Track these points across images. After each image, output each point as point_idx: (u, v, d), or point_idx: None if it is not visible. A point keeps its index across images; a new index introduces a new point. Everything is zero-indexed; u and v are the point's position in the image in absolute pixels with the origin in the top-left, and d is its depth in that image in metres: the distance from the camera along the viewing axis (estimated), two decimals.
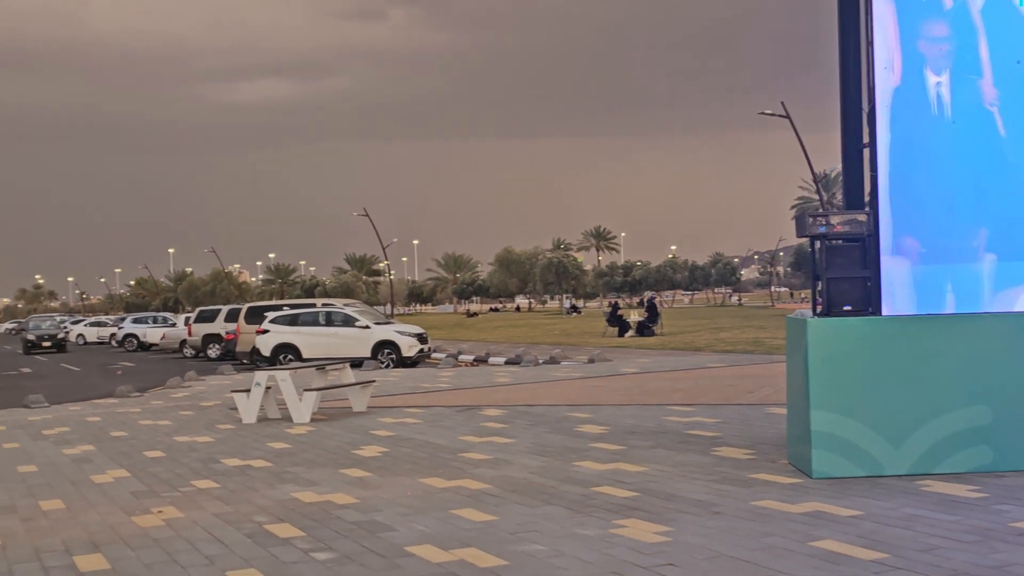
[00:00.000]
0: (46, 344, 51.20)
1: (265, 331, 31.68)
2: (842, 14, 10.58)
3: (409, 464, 11.67)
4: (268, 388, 16.85)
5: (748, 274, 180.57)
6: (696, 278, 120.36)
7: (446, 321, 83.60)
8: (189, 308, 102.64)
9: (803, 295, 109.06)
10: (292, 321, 32.00)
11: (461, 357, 34.02)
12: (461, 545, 7.77)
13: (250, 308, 37.51)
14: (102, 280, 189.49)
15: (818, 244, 10.16)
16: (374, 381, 18.67)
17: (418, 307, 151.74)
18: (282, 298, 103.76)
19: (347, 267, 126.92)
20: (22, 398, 22.51)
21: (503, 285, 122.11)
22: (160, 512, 9.55)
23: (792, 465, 10.44)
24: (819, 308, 10.09)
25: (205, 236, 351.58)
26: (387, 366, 30.36)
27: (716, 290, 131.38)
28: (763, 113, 47.20)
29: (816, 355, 9.73)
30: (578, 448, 12.28)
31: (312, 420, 16.27)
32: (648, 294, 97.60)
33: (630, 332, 41.97)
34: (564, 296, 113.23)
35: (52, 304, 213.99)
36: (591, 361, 28.46)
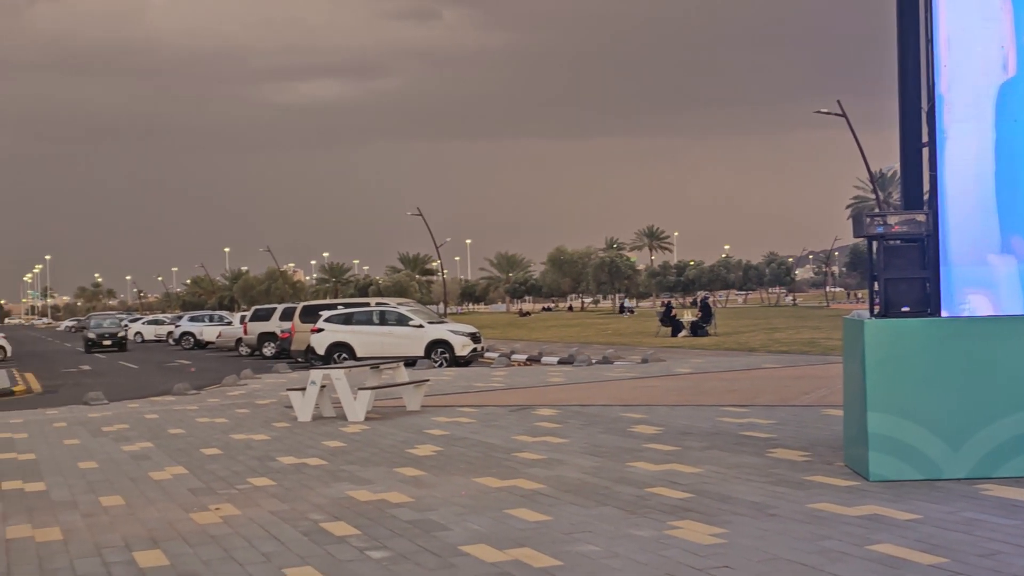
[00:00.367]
0: (107, 343, 51.69)
1: (320, 330, 31.91)
2: (901, 12, 10.46)
3: (463, 463, 11.71)
4: (323, 387, 16.97)
5: (802, 274, 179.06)
6: (750, 278, 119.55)
7: (499, 320, 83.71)
8: (245, 307, 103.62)
9: (859, 295, 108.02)
10: (346, 320, 32.20)
11: (514, 356, 34.05)
12: (515, 545, 7.78)
13: (305, 307, 37.82)
14: (159, 279, 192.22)
15: (875, 244, 10.06)
16: (428, 380, 18.74)
17: (471, 306, 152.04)
18: (336, 297, 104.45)
19: (400, 266, 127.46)
20: (82, 395, 22.87)
21: (555, 284, 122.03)
22: (217, 509, 9.66)
23: (848, 467, 10.34)
24: (876, 309, 9.99)
25: (260, 235, 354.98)
26: (440, 365, 30.46)
27: (770, 290, 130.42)
28: (819, 112, 46.76)
29: (873, 356, 9.63)
30: (632, 448, 12.25)
31: (366, 419, 16.36)
32: (701, 294, 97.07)
33: (683, 332, 41.79)
34: (618, 296, 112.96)
35: (110, 302, 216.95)
36: (644, 361, 28.36)
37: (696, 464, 10.96)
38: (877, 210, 49.56)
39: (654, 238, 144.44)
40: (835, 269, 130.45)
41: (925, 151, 10.20)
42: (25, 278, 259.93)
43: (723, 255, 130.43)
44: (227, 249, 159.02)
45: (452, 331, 31.90)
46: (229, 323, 52.49)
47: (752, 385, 19.73)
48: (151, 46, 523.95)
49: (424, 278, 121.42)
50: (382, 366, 18.47)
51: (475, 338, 31.98)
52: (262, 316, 42.58)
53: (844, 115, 45.19)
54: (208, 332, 53.35)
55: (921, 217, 9.76)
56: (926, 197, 10.28)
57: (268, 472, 11.69)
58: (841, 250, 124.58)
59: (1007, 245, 9.68)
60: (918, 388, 9.59)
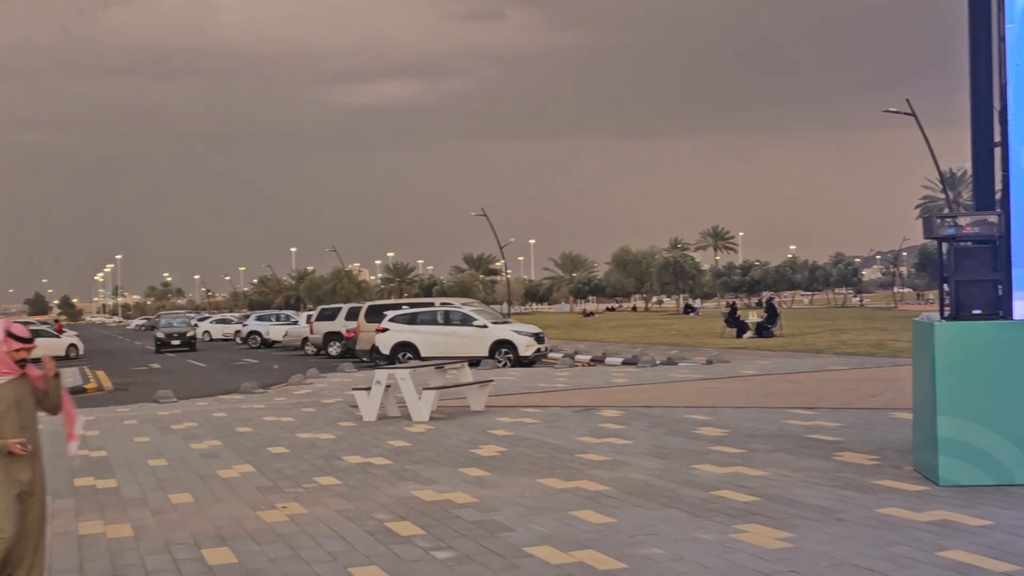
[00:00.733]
0: (175, 342, 52.04)
1: (385, 329, 32.09)
2: (973, 10, 10.30)
3: (527, 464, 11.72)
4: (388, 386, 17.07)
5: (870, 274, 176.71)
6: (816, 278, 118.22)
7: (562, 321, 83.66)
8: (310, 306, 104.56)
9: (929, 296, 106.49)
10: (411, 320, 32.34)
11: (578, 357, 34.00)
12: (580, 547, 7.78)
13: (370, 307, 38.03)
14: (227, 278, 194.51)
15: (946, 246, 9.92)
16: (492, 380, 18.78)
17: (534, 306, 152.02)
18: (401, 297, 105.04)
19: (465, 266, 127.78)
20: (152, 393, 23.22)
21: (619, 285, 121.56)
22: (284, 508, 9.76)
23: (918, 472, 10.20)
24: (947, 311, 9.84)
25: (326, 235, 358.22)
26: (504, 365, 30.49)
27: (837, 291, 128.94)
28: (888, 111, 46.14)
29: (943, 359, 9.49)
30: (697, 451, 12.18)
31: (431, 419, 16.43)
32: (767, 294, 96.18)
33: (749, 333, 41.47)
34: (683, 297, 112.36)
35: (179, 301, 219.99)
36: (709, 362, 28.19)
37: (762, 467, 10.88)
38: (947, 211, 48.84)
39: (719, 238, 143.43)
40: (903, 270, 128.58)
41: (997, 151, 10.04)
42: (97, 277, 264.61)
43: (789, 255, 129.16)
44: (294, 249, 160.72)
45: (516, 331, 31.90)
46: (295, 322, 52.91)
47: (818, 387, 19.53)
48: (222, 49, 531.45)
49: (488, 278, 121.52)
50: (446, 366, 18.54)
51: (539, 338, 31.96)
52: (328, 316, 42.89)
53: (913, 114, 44.57)
54: (275, 331, 53.84)
55: (993, 218, 9.60)
56: (998, 197, 10.12)
57: (334, 471, 11.79)
58: (910, 250, 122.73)
59: None
60: (989, 392, 9.44)
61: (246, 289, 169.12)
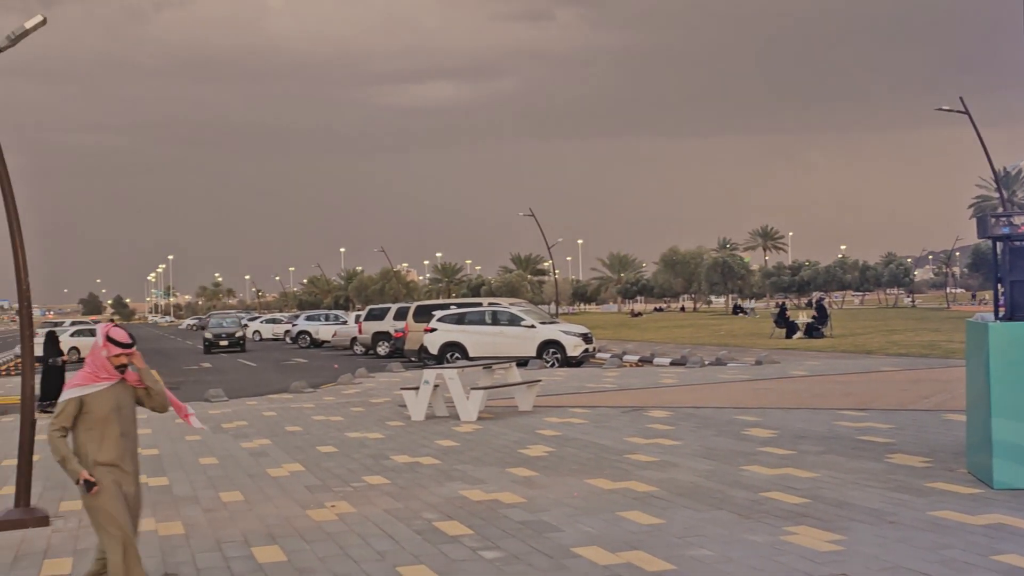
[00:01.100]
0: (224, 343, 51.82)
1: (433, 329, 32.16)
2: None
3: (575, 464, 11.70)
4: (436, 386, 17.11)
5: (922, 275, 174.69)
6: (867, 279, 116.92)
7: (610, 321, 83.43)
8: (359, 306, 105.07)
9: (984, 297, 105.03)
10: (459, 320, 32.37)
11: (626, 357, 33.89)
12: (628, 548, 7.74)
13: (418, 307, 38.13)
14: (277, 278, 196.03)
15: (1000, 245, 9.77)
16: (540, 380, 18.77)
17: (582, 306, 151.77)
18: (448, 297, 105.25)
19: (512, 266, 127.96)
20: (203, 392, 23.44)
21: (668, 285, 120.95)
22: (333, 506, 9.81)
23: (971, 474, 10.06)
24: (1001, 312, 9.70)
25: (375, 236, 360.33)
26: (552, 365, 30.45)
27: (888, 291, 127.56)
28: (941, 109, 45.56)
29: (998, 361, 9.36)
30: (746, 452, 12.10)
31: (479, 418, 16.45)
32: (817, 295, 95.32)
33: (798, 334, 41.11)
34: (732, 297, 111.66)
35: (230, 301, 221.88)
36: (758, 363, 27.98)
37: (812, 469, 10.78)
38: (1001, 210, 48.11)
39: (768, 238, 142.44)
40: (956, 270, 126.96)
41: None
42: (149, 277, 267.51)
43: (839, 255, 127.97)
44: (343, 249, 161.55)
45: (564, 331, 31.84)
46: (344, 322, 53.17)
47: (869, 388, 19.32)
48: (271, 51, 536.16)
49: (536, 278, 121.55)
50: (494, 366, 18.55)
51: (587, 338, 31.88)
52: (376, 315, 43.06)
53: (967, 112, 43.99)
54: (324, 331, 54.15)
55: None
56: None
57: (382, 470, 11.84)
58: (963, 250, 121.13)
59: None
60: None
61: (296, 289, 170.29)
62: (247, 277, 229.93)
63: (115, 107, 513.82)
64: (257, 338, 70.26)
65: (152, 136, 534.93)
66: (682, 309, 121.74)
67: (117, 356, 6.37)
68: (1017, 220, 9.51)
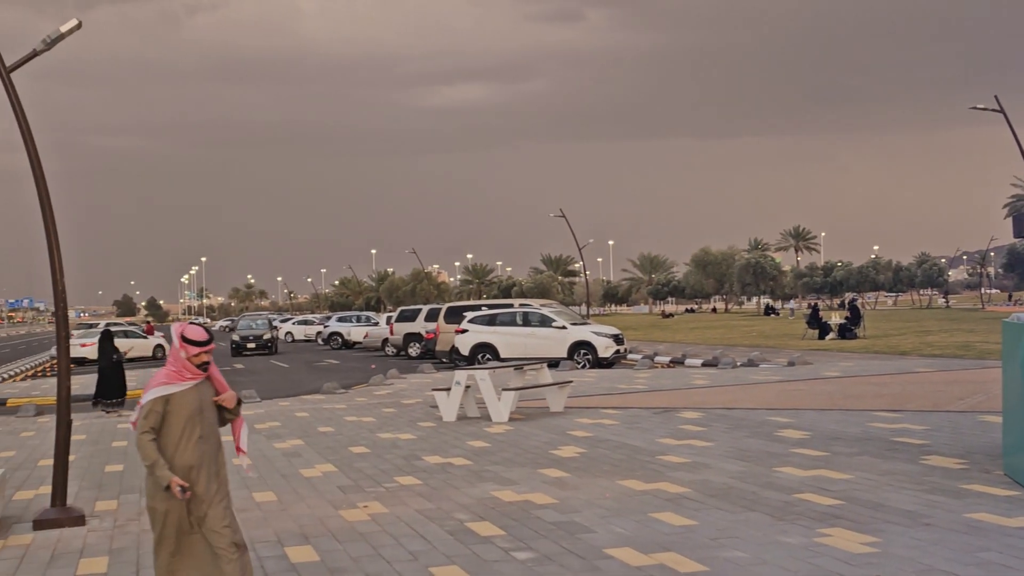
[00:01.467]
0: (251, 346, 50.58)
1: (464, 331, 32.20)
2: None
3: (607, 465, 11.68)
4: (467, 387, 17.14)
5: (956, 275, 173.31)
6: (900, 279, 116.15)
7: (641, 322, 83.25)
8: (390, 307, 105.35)
9: (1020, 297, 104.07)
10: (490, 321, 32.39)
11: (657, 358, 33.80)
12: (660, 549, 7.72)
13: (449, 308, 38.16)
14: (308, 280, 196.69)
15: None
16: (571, 382, 18.75)
17: (613, 308, 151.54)
18: (479, 298, 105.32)
19: (543, 267, 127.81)
20: (237, 393, 23.54)
21: (699, 286, 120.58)
22: (366, 507, 9.84)
23: (1008, 476, 9.97)
24: None
25: (406, 237, 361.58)
26: (583, 367, 30.42)
27: (922, 291, 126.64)
28: (975, 108, 45.18)
29: None
30: (779, 453, 12.04)
31: (510, 419, 16.46)
32: (850, 295, 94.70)
33: (831, 335, 40.88)
34: (764, 298, 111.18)
35: (262, 303, 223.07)
36: (791, 364, 27.84)
37: (846, 470, 10.72)
38: None
39: (800, 238, 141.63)
40: (991, 270, 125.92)
41: None
42: (182, 279, 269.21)
43: (872, 256, 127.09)
44: (374, 251, 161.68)
45: (595, 332, 31.80)
46: (376, 323, 53.30)
47: (903, 389, 19.19)
48: (303, 54, 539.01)
49: (566, 279, 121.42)
50: (525, 367, 18.55)
51: (618, 340, 31.82)
52: (408, 317, 43.15)
53: (1002, 111, 43.62)
54: (355, 332, 54.31)
55: None
56: None
57: (414, 471, 11.86)
58: (997, 250, 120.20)
59: None
60: None
61: (327, 290, 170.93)
62: (279, 279, 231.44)
63: (149, 110, 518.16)
64: (289, 339, 70.55)
65: (186, 138, 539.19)
66: (713, 310, 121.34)
67: (196, 355, 6.13)
68: None
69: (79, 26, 10.67)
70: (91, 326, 63.39)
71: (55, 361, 40.26)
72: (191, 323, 6.32)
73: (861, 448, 12.17)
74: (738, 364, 28.82)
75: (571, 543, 8.04)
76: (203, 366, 6.18)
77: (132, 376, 27.01)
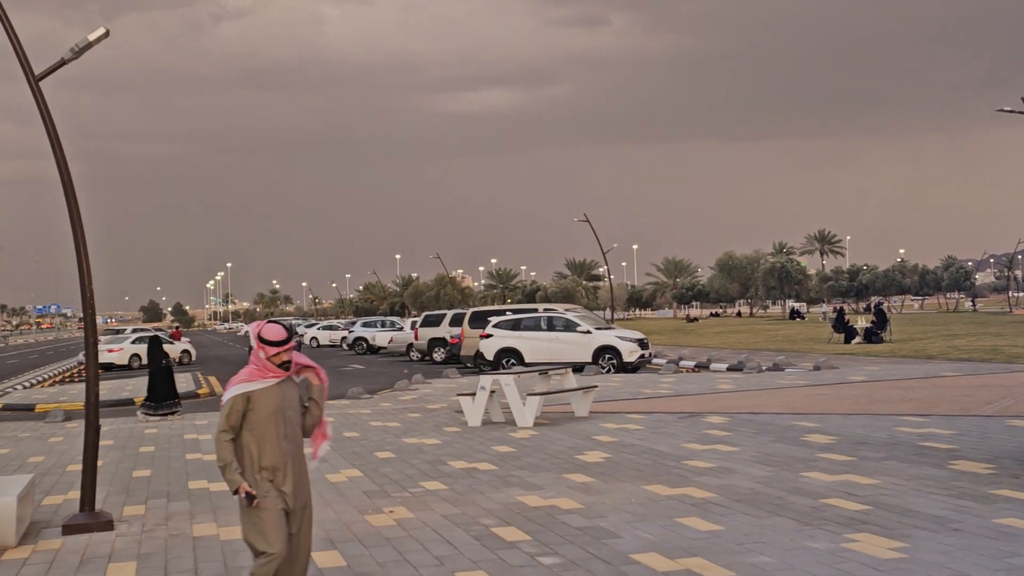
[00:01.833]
0: None
1: (489, 335, 32.22)
2: None
3: (632, 470, 11.66)
4: (492, 392, 17.15)
5: (983, 278, 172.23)
6: (927, 282, 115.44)
7: (666, 326, 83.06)
8: (415, 312, 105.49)
9: None
10: (515, 326, 32.41)
11: (682, 363, 33.72)
12: (687, 554, 7.71)
13: (474, 313, 38.20)
14: (333, 285, 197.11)
15: None
16: (596, 386, 18.73)
17: (637, 312, 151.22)
18: (504, 303, 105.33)
19: (567, 272, 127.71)
20: None
21: (724, 290, 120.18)
22: (391, 512, 9.86)
23: None
24: None
25: (430, 242, 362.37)
26: (608, 371, 30.38)
27: (948, 295, 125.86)
28: (1002, 110, 44.90)
29: None
30: (805, 458, 11.99)
31: (535, 424, 16.46)
32: (876, 299, 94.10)
33: (857, 339, 40.69)
34: (790, 302, 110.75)
35: (287, 308, 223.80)
36: (816, 368, 27.72)
37: (873, 475, 10.66)
38: None
39: (825, 242, 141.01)
40: (1018, 273, 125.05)
41: None
42: (208, 284, 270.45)
43: (898, 259, 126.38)
44: (398, 256, 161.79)
45: (620, 337, 31.76)
46: (400, 328, 53.41)
47: (930, 394, 19.07)
48: (328, 60, 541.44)
49: (591, 284, 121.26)
50: (550, 372, 18.54)
51: (643, 344, 31.77)
52: (432, 322, 43.21)
53: None
54: (380, 337, 54.42)
55: None
56: None
57: (440, 476, 11.87)
58: None
59: None
60: None
61: (352, 296, 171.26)
62: (304, 284, 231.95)
63: (174, 117, 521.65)
64: (314, 344, 70.77)
65: (211, 145, 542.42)
66: (738, 314, 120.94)
67: (276, 355, 6.01)
68: None
69: (107, 34, 10.75)
70: (118, 332, 63.77)
71: (83, 367, 40.53)
72: (269, 322, 6.19)
73: (888, 453, 12.11)
74: (763, 368, 28.72)
75: (597, 548, 8.03)
76: (284, 365, 6.04)
77: None
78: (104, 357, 44.97)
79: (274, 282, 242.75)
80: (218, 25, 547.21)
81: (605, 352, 31.00)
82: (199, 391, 29.46)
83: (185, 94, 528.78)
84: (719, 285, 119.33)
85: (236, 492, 5.82)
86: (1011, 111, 44.60)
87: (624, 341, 31.36)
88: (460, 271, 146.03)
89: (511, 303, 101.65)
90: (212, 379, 36.11)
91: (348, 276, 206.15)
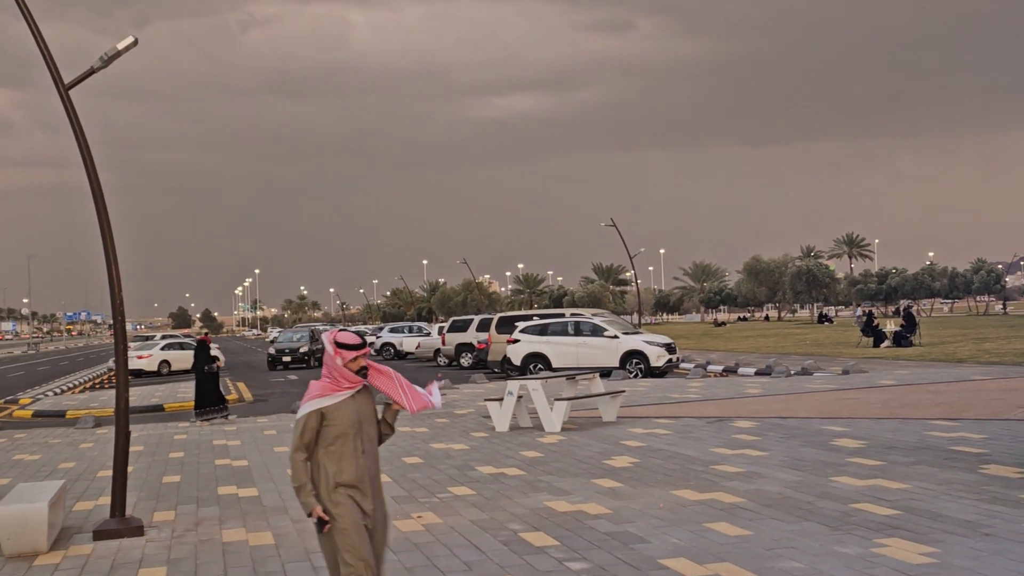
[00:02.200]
0: (287, 359, 48.79)
1: (516, 340, 32.22)
2: None
3: (660, 475, 11.64)
4: (520, 397, 17.15)
5: (1014, 281, 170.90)
6: (956, 286, 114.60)
7: (693, 331, 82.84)
8: (442, 318, 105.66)
9: None
10: (542, 331, 32.39)
11: (710, 367, 33.63)
12: (715, 560, 7.68)
13: (501, 318, 38.19)
14: (361, 291, 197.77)
15: None
16: (623, 391, 18.70)
17: (665, 316, 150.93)
18: (531, 308, 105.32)
19: (594, 277, 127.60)
20: (290, 404, 23.73)
21: (751, 294, 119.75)
22: (420, 517, 9.88)
23: None
24: None
25: (457, 247, 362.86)
26: (635, 376, 30.32)
27: (978, 298, 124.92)
28: None
29: None
30: (834, 463, 11.93)
31: (563, 429, 16.44)
32: (905, 303, 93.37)
33: (886, 342, 40.45)
34: (818, 306, 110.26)
35: (315, 314, 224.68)
36: (845, 372, 27.57)
37: (903, 480, 10.60)
38: None
39: (853, 245, 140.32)
40: None
41: None
42: (236, 291, 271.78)
43: (927, 262, 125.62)
44: (425, 261, 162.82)
45: (647, 341, 31.69)
46: (427, 334, 53.51)
47: (961, 398, 18.93)
48: (356, 67, 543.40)
49: (618, 288, 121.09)
50: (578, 377, 18.53)
51: (670, 349, 31.69)
52: (459, 327, 43.27)
53: None
54: (408, 343, 54.55)
55: None
56: None
57: (468, 481, 11.89)
58: None
59: None
60: None
61: (379, 301, 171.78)
62: (331, 290, 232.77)
63: (203, 125, 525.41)
64: None
65: (239, 152, 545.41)
66: (766, 318, 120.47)
67: (354, 359, 5.80)
68: None
69: (135, 43, 10.84)
70: (147, 338, 64.14)
71: (113, 373, 40.77)
72: (341, 330, 6.04)
73: (918, 457, 12.03)
74: (792, 373, 28.59)
75: (625, 553, 8.02)
76: (362, 371, 5.86)
77: (189, 387, 27.30)
78: (133, 364, 45.24)
79: (302, 288, 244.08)
80: (246, 33, 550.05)
81: (632, 357, 30.94)
82: (228, 397, 29.60)
83: (214, 102, 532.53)
84: (747, 289, 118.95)
85: (310, 515, 5.62)
86: None
87: (651, 346, 31.29)
88: (487, 276, 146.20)
89: (538, 308, 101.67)
90: (241, 385, 36.27)
91: (376, 282, 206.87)
